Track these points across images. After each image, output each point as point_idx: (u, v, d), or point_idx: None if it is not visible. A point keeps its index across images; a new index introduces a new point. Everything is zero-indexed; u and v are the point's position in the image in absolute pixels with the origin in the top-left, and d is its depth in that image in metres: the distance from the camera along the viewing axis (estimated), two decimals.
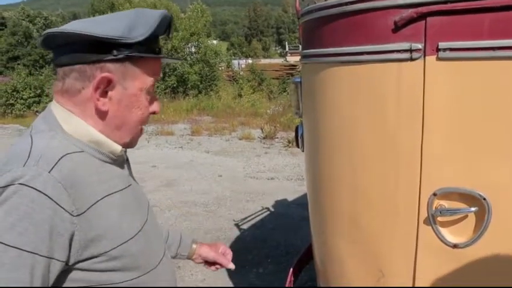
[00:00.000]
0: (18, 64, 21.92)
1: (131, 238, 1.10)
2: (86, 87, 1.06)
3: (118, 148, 1.13)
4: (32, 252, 0.90)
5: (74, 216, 0.97)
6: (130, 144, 1.17)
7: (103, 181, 1.08)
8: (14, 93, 17.38)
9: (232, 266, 1.58)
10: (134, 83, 1.09)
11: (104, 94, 1.07)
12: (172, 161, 9.01)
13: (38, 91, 17.78)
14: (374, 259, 1.66)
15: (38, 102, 17.41)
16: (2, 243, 0.88)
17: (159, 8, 20.85)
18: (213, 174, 8.00)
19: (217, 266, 1.60)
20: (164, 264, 1.25)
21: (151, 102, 1.16)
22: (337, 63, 1.60)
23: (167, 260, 1.29)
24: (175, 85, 21.25)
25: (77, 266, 1.01)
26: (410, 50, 1.39)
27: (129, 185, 1.19)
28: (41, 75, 23.56)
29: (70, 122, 1.08)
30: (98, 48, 1.03)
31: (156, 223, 1.32)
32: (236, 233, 5.28)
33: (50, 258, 0.94)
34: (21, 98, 17.28)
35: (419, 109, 1.42)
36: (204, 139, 11.74)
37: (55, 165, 0.96)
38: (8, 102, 17.44)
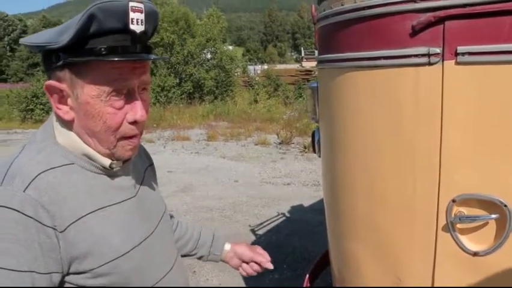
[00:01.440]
0: (38, 71, 22.24)
1: (123, 255, 1.04)
2: None
3: (105, 161, 1.06)
4: (29, 271, 0.90)
5: (57, 231, 0.94)
6: (114, 156, 1.06)
7: (94, 194, 1.03)
8: (34, 99, 17.66)
9: (270, 265, 1.47)
10: (83, 90, 0.99)
11: (64, 102, 1.02)
12: (188, 166, 9.05)
13: None
14: (391, 266, 1.64)
15: None
16: (0, 268, 0.88)
17: (176, 14, 21.01)
18: (229, 180, 8.01)
19: (256, 269, 1.49)
20: (170, 280, 1.17)
21: (130, 109, 1.03)
22: (354, 68, 1.59)
23: (175, 275, 1.20)
24: (191, 91, 21.36)
25: (66, 279, 0.99)
26: (428, 55, 1.37)
27: (132, 197, 1.13)
28: None
29: (63, 133, 1.05)
30: (46, 57, 1.01)
31: (167, 235, 1.26)
32: (252, 238, 5.26)
33: (50, 273, 0.94)
34: (41, 104, 17.54)
35: (437, 114, 1.40)
36: (219, 144, 11.78)
37: (30, 183, 0.93)
38: (27, 107, 17.73)
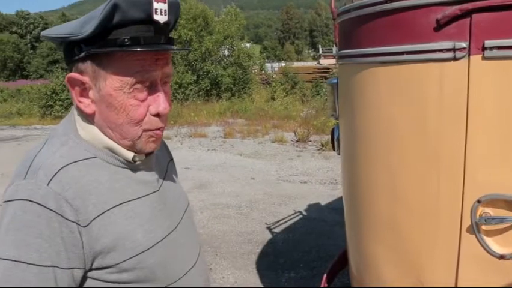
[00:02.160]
0: (57, 68, 22.52)
1: (147, 249, 1.02)
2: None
3: (128, 154, 1.03)
4: (52, 266, 0.89)
5: (80, 226, 0.93)
6: (137, 148, 1.04)
7: (117, 188, 1.01)
8: (53, 95, 17.87)
9: None
10: (105, 82, 0.97)
11: (85, 95, 1.00)
12: (205, 163, 9.05)
13: None
14: (412, 268, 1.59)
15: None
16: (21, 261, 0.87)
17: (194, 11, 21.10)
18: (246, 177, 7.99)
19: None
20: (193, 276, 1.14)
21: (153, 101, 1.01)
22: (375, 64, 1.55)
23: (198, 271, 1.18)
24: (208, 88, 21.40)
25: (89, 274, 0.97)
26: (454, 49, 1.32)
27: (155, 191, 1.10)
28: None
29: (85, 126, 1.03)
30: (67, 49, 0.99)
31: (190, 230, 1.23)
32: (268, 236, 5.24)
33: (71, 268, 0.92)
34: (60, 100, 17.75)
35: (462, 111, 1.35)
36: (236, 141, 11.76)
37: (54, 176, 0.92)
38: (47, 104, 17.97)
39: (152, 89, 1.01)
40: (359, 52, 1.64)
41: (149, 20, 0.95)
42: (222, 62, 22.35)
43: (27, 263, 0.87)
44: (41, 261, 0.88)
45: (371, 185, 1.70)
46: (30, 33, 59.61)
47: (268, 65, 31.68)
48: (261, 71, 27.08)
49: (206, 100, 20.43)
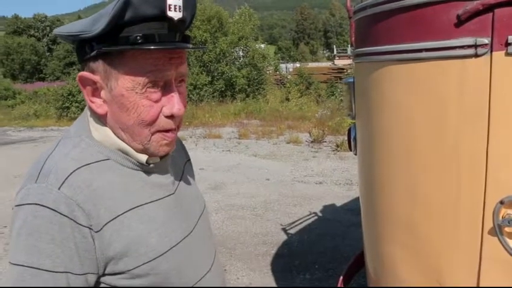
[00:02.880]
0: (74, 70, 22.79)
1: (161, 255, 0.98)
2: None
3: (141, 157, 1.00)
4: (65, 272, 0.87)
5: (93, 231, 0.90)
6: (148, 152, 1.00)
7: (131, 192, 0.98)
8: (70, 96, 18.08)
9: None
10: (117, 82, 0.93)
11: (97, 95, 0.97)
12: (220, 164, 9.06)
13: None
14: (432, 270, 1.55)
15: None
16: (34, 267, 0.85)
17: (209, 13, 21.17)
18: (261, 178, 7.97)
19: None
20: (208, 281, 1.11)
21: (167, 102, 0.97)
22: (394, 62, 1.51)
23: (213, 275, 1.14)
24: (223, 89, 21.44)
25: (102, 279, 0.95)
26: (475, 46, 1.28)
27: (170, 194, 1.07)
28: None
29: (97, 127, 1.00)
30: (79, 48, 0.96)
31: (206, 233, 1.19)
32: (283, 237, 5.21)
33: (85, 274, 0.90)
34: (76, 102, 17.94)
35: (484, 109, 1.31)
36: (251, 142, 11.75)
37: (65, 180, 0.89)
38: (63, 105, 18.17)
39: (166, 89, 0.97)
40: (376, 50, 1.61)
41: (162, 17, 0.91)
42: (237, 63, 22.36)
43: (39, 269, 0.85)
44: (54, 267, 0.86)
45: (389, 186, 1.66)
46: (47, 36, 60.33)
47: (282, 65, 31.62)
48: (276, 71, 27.04)
49: (221, 101, 20.47)
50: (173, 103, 0.97)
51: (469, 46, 1.29)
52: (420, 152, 1.49)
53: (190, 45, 1.00)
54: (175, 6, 0.92)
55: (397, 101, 1.54)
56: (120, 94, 0.94)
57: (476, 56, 1.29)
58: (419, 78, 1.44)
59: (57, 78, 42.01)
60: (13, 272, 0.86)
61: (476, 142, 1.34)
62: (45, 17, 63.37)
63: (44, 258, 0.85)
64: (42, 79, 46.81)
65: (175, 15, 0.92)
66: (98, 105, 0.98)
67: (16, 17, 64.64)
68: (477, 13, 1.26)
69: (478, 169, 1.35)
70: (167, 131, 1.00)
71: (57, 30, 0.99)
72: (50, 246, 0.86)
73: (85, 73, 0.96)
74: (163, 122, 0.98)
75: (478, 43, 1.28)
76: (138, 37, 0.90)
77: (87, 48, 0.94)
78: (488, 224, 1.37)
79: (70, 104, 18.05)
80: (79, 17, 48.55)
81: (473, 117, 1.34)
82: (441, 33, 1.36)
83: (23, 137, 14.33)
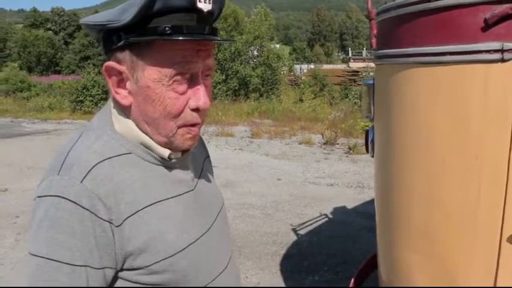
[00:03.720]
0: (89, 64, 22.96)
1: (179, 251, 0.98)
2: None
3: (164, 152, 0.99)
4: (84, 266, 0.87)
5: (113, 225, 0.90)
6: (172, 145, 0.99)
7: (152, 187, 0.97)
8: (84, 90, 18.22)
9: None
10: (143, 73, 0.92)
11: (123, 86, 0.96)
12: (231, 162, 9.06)
13: (105, 89, 18.52)
14: (447, 277, 1.53)
15: (105, 100, 18.09)
16: (53, 259, 0.85)
17: (225, 11, 21.19)
18: (272, 178, 7.96)
19: None
20: (224, 279, 1.10)
21: (192, 94, 0.96)
22: (416, 64, 1.50)
23: (229, 274, 1.13)
24: (236, 87, 21.46)
25: (119, 274, 0.94)
26: (502, 50, 1.26)
27: (190, 190, 1.06)
28: None
29: (120, 120, 0.99)
30: (106, 38, 0.95)
31: (224, 231, 1.18)
32: (293, 237, 5.20)
33: (103, 268, 0.90)
34: (90, 95, 18.08)
35: (508, 115, 1.29)
36: (263, 142, 11.74)
37: (88, 173, 0.89)
38: (78, 99, 18.31)
39: (192, 81, 0.96)
40: (398, 52, 1.59)
41: (192, 8, 0.90)
42: (251, 62, 22.36)
43: (59, 262, 0.85)
44: (73, 260, 0.85)
45: (406, 190, 1.64)
46: (65, 29, 60.81)
47: (297, 66, 31.56)
48: (290, 72, 27.01)
49: (234, 100, 20.49)
50: (200, 96, 0.96)
51: (495, 51, 1.27)
52: (440, 157, 1.47)
53: (219, 38, 0.99)
54: None
55: (418, 103, 1.52)
56: (146, 85, 0.93)
57: (503, 60, 1.27)
58: (441, 82, 1.42)
59: (73, 72, 42.42)
60: (32, 263, 0.86)
61: (499, 148, 1.32)
62: (63, 10, 63.91)
63: (64, 250, 0.85)
64: (58, 72, 47.28)
65: (204, 6, 0.91)
66: (123, 96, 0.97)
67: (34, 10, 65.33)
68: (505, 17, 1.24)
69: (499, 176, 1.33)
70: (192, 125, 0.99)
71: (84, 20, 0.98)
72: (70, 239, 0.85)
73: (111, 63, 0.95)
74: (189, 116, 0.97)
75: (504, 48, 1.26)
76: (167, 28, 0.89)
77: (114, 38, 0.93)
78: (507, 232, 1.35)
79: (84, 97, 18.20)
80: (96, 11, 48.94)
81: (496, 123, 1.32)
82: (467, 37, 1.34)
83: (37, 129, 14.48)
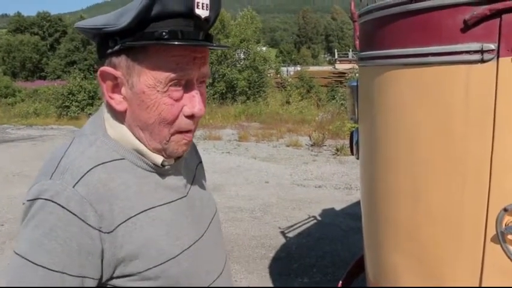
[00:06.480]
0: (75, 68, 22.81)
1: (171, 258, 0.97)
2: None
3: (157, 158, 0.99)
4: (60, 272, 0.85)
5: (103, 233, 0.88)
6: (166, 152, 0.99)
7: (145, 193, 0.97)
8: (70, 96, 18.09)
9: None
10: (139, 78, 0.92)
11: (117, 91, 0.96)
12: (219, 166, 9.04)
13: (92, 94, 18.40)
14: (433, 277, 1.54)
15: (92, 105, 18.01)
16: (31, 261, 0.84)
17: None
18: (260, 181, 7.96)
19: None
20: (219, 286, 1.09)
21: (188, 101, 0.96)
22: (399, 66, 1.50)
23: (224, 281, 1.12)
24: (223, 91, 21.45)
25: (110, 282, 0.93)
26: (481, 51, 1.27)
27: (183, 197, 1.05)
28: (95, 79, 24.47)
29: (114, 125, 0.98)
30: (102, 42, 0.95)
31: (217, 237, 1.17)
32: (281, 240, 5.20)
33: (82, 277, 0.88)
34: (76, 101, 17.94)
35: (489, 115, 1.29)
36: (251, 145, 11.74)
37: (81, 179, 0.88)
38: (64, 104, 18.16)
39: (187, 88, 0.96)
40: (381, 54, 1.60)
41: (189, 14, 0.90)
42: (238, 65, 22.37)
43: (35, 264, 0.84)
44: (50, 264, 0.84)
45: (391, 191, 1.65)
46: (51, 36, 60.26)
47: (283, 68, 31.64)
48: (277, 74, 27.07)
49: (221, 103, 20.47)
50: (195, 103, 0.96)
51: (475, 51, 1.28)
52: (424, 157, 1.47)
53: (215, 44, 0.99)
54: (202, 4, 0.91)
55: (402, 105, 1.53)
56: (141, 91, 0.93)
57: (483, 61, 1.28)
58: (424, 83, 1.43)
59: (58, 77, 42.04)
60: (15, 261, 0.86)
61: (481, 148, 1.33)
62: (49, 15, 63.33)
63: (43, 253, 0.84)
64: (43, 77, 46.80)
65: (202, 13, 0.92)
66: (118, 101, 0.96)
67: (18, 14, 64.69)
68: (484, 18, 1.25)
69: (482, 176, 1.34)
70: (186, 131, 0.99)
71: (79, 24, 0.97)
72: (51, 243, 0.85)
73: (106, 68, 0.94)
74: (183, 122, 0.97)
75: (484, 48, 1.27)
76: (164, 33, 0.89)
77: (110, 43, 0.92)
78: (491, 232, 1.36)
79: (70, 103, 18.06)
80: (81, 17, 48.72)
81: (478, 123, 1.32)
82: (447, 38, 1.34)
83: (22, 135, 14.31)
